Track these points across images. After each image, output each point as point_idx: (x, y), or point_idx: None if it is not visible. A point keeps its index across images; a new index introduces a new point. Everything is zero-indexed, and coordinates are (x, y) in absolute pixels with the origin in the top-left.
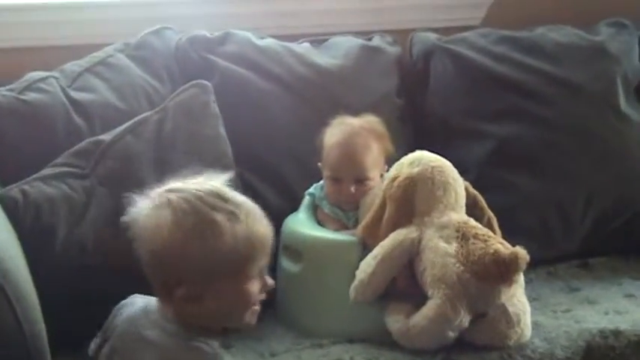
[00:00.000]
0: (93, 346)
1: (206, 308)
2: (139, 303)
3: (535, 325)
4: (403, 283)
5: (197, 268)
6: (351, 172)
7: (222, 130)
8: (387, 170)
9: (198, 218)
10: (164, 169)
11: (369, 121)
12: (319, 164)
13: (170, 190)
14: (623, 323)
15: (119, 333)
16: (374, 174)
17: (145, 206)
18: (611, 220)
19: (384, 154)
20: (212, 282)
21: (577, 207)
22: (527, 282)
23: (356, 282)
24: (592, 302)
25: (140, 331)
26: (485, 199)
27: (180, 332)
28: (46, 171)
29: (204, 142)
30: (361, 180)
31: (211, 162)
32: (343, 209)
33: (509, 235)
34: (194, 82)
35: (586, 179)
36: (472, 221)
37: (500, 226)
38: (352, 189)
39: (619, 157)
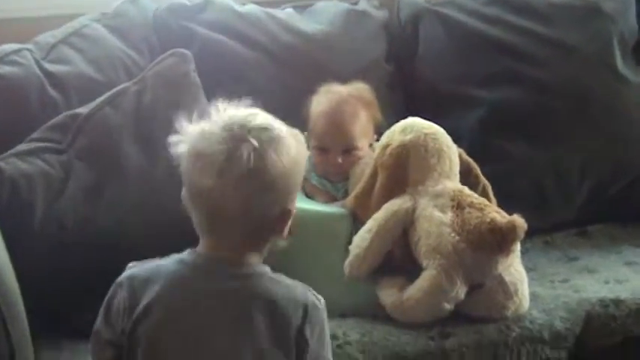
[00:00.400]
0: (108, 336)
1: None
2: (161, 266)
3: (533, 296)
4: (399, 256)
5: (296, 190)
6: (338, 142)
7: (203, 101)
8: (377, 139)
9: (290, 140)
10: (144, 142)
11: (358, 88)
12: (305, 134)
13: (242, 126)
14: (624, 292)
15: (170, 301)
16: (362, 143)
17: (221, 146)
18: (609, 186)
19: (372, 122)
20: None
21: (574, 173)
22: (523, 252)
23: (351, 257)
24: (591, 271)
25: (217, 286)
26: (479, 167)
27: (261, 269)
28: (22, 146)
29: (185, 113)
30: (349, 150)
31: None
32: (331, 180)
33: (505, 204)
34: (173, 51)
35: (583, 144)
36: (467, 190)
37: (495, 195)
38: (339, 159)
39: (617, 119)
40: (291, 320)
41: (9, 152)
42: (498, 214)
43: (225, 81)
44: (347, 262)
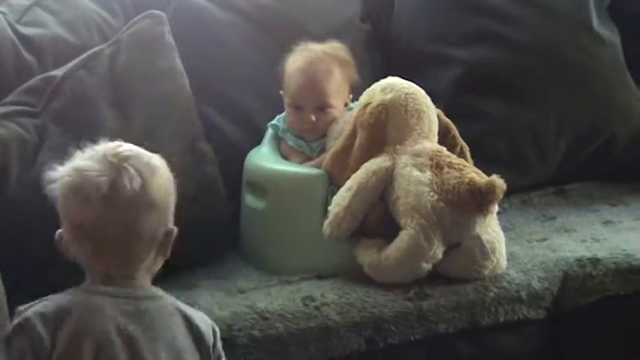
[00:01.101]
0: None
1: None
2: (63, 301)
3: (510, 256)
4: (374, 219)
5: (172, 209)
6: (312, 99)
7: (178, 62)
8: (352, 100)
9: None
10: (119, 105)
11: (333, 47)
12: (281, 92)
13: (116, 156)
14: (601, 251)
15: (90, 329)
16: (336, 102)
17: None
18: (586, 145)
19: (347, 81)
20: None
21: (550, 132)
22: (500, 211)
23: (330, 217)
24: (568, 230)
25: (130, 308)
26: (457, 128)
27: (161, 291)
28: None
29: (160, 76)
30: (323, 108)
31: (168, 96)
32: (306, 140)
33: (482, 164)
34: (147, 12)
35: (559, 103)
36: (446, 150)
37: (472, 155)
38: (313, 117)
39: (592, 78)
40: (205, 338)
41: None
42: (477, 175)
43: (200, 42)
44: (326, 222)
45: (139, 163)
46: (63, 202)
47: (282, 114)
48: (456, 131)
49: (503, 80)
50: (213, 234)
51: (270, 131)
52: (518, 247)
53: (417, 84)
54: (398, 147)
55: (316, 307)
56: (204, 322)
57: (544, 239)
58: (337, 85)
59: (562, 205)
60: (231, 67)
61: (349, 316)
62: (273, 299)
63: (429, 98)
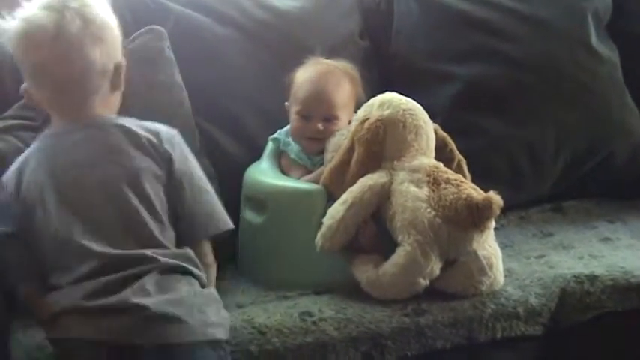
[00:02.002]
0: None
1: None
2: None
3: (508, 272)
4: (367, 238)
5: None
6: (320, 109)
7: (178, 77)
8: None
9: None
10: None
11: (344, 64)
12: (286, 104)
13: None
14: (599, 267)
15: (50, 164)
16: (343, 114)
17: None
18: (583, 162)
19: (354, 98)
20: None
21: (548, 149)
22: (498, 228)
23: (323, 229)
24: (566, 247)
25: (84, 136)
26: (454, 143)
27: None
28: None
29: (160, 90)
30: (330, 119)
31: (168, 110)
32: (307, 151)
33: (479, 180)
34: (147, 28)
35: (557, 119)
36: (443, 167)
37: (470, 171)
38: (320, 126)
39: (590, 95)
40: (151, 142)
41: None
42: (474, 191)
43: (199, 57)
44: (319, 233)
45: (79, 3)
46: (17, 52)
47: (284, 128)
48: (453, 145)
49: (501, 97)
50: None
51: (270, 145)
52: (515, 264)
53: (416, 100)
54: (395, 163)
55: (314, 322)
56: (147, 129)
57: (542, 256)
58: (346, 99)
59: (560, 222)
60: (230, 82)
61: (346, 332)
62: (270, 314)
63: (426, 114)
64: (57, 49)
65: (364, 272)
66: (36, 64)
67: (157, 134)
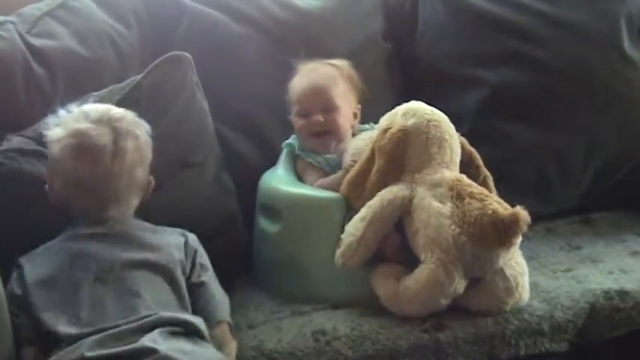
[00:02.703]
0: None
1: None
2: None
3: (533, 285)
4: (390, 249)
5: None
6: (317, 102)
7: (202, 104)
8: (370, 122)
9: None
10: None
11: (336, 61)
12: (289, 117)
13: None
14: (629, 283)
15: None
16: (342, 104)
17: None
18: (614, 172)
19: (353, 91)
20: None
21: (578, 158)
22: (524, 240)
23: (343, 247)
24: (595, 261)
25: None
26: (479, 152)
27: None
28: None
29: (184, 119)
30: (329, 109)
31: (190, 142)
32: (319, 151)
33: (505, 190)
34: (171, 54)
35: (587, 128)
36: (466, 179)
37: (495, 180)
38: (320, 117)
39: (623, 103)
40: (177, 240)
41: (9, 146)
42: (500, 206)
43: (216, 58)
44: (339, 252)
45: (129, 123)
46: (63, 162)
47: None
48: (479, 161)
49: (530, 103)
50: (228, 266)
51: (285, 151)
52: (541, 278)
53: (441, 105)
54: (416, 176)
55: (327, 342)
56: (174, 233)
57: (569, 270)
58: (341, 90)
59: (588, 235)
60: (246, 82)
61: (362, 350)
62: (282, 335)
63: (452, 126)
64: (114, 167)
65: (384, 287)
66: (86, 177)
67: (185, 236)
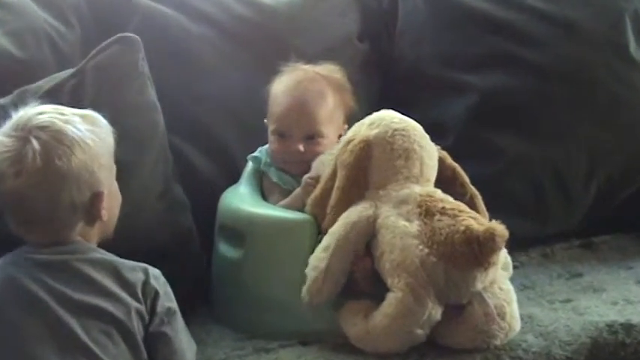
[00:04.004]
0: None
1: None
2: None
3: (528, 318)
4: (363, 279)
5: (106, 170)
6: (300, 126)
7: (152, 96)
8: (346, 130)
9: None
10: None
11: (328, 68)
12: (265, 121)
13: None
14: (636, 315)
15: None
16: (328, 130)
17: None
18: (619, 189)
19: (342, 109)
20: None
21: (578, 173)
22: (518, 266)
23: (309, 282)
24: (597, 290)
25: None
26: (466, 167)
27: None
28: None
29: (132, 112)
30: (312, 136)
31: (139, 136)
32: (292, 173)
33: (496, 210)
34: (118, 36)
35: (588, 139)
36: (439, 193)
37: (485, 198)
38: (301, 147)
39: (628, 111)
40: (135, 279)
41: None
42: (475, 221)
43: (169, 61)
44: (304, 289)
45: (50, 135)
46: None
47: (265, 146)
48: (465, 178)
49: (523, 111)
50: (182, 293)
51: (250, 165)
52: (537, 309)
53: (423, 113)
54: (380, 192)
55: None
56: (131, 266)
57: (569, 300)
58: (330, 111)
59: (590, 261)
60: (204, 89)
61: None
62: None
63: (426, 137)
64: (17, 185)
65: (352, 326)
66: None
67: (146, 272)
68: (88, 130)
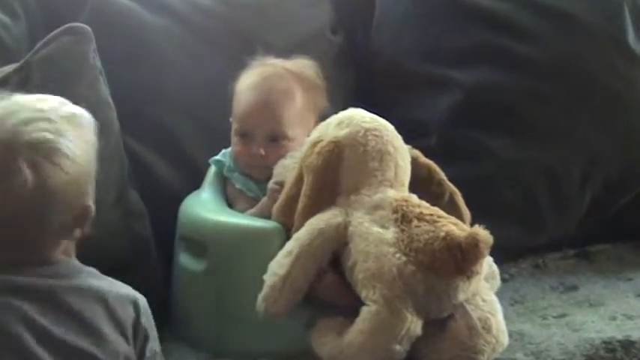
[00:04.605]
0: None
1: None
2: None
3: (519, 335)
4: (327, 296)
5: (91, 183)
6: (263, 126)
7: (105, 92)
8: None
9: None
10: None
11: (299, 63)
12: (231, 119)
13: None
14: (636, 331)
15: None
16: (295, 133)
17: None
18: (617, 195)
19: (313, 110)
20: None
21: (572, 177)
22: (507, 278)
23: (265, 289)
24: (594, 304)
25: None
26: (450, 169)
27: (76, 265)
28: None
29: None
30: (276, 138)
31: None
32: (256, 179)
33: (484, 217)
34: (67, 26)
35: (584, 140)
36: (415, 198)
37: (470, 205)
38: (262, 150)
39: (627, 109)
40: (125, 317)
41: None
42: (456, 227)
43: (123, 56)
44: (260, 296)
45: (42, 154)
46: None
47: (229, 148)
48: (441, 175)
49: (513, 110)
50: None
51: (212, 169)
52: (528, 325)
53: (403, 112)
54: (352, 197)
55: None
56: (120, 298)
57: (563, 315)
58: (297, 112)
59: (586, 272)
60: (163, 85)
61: None
62: None
63: (398, 137)
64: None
65: (324, 345)
66: None
67: (136, 307)
68: (77, 137)
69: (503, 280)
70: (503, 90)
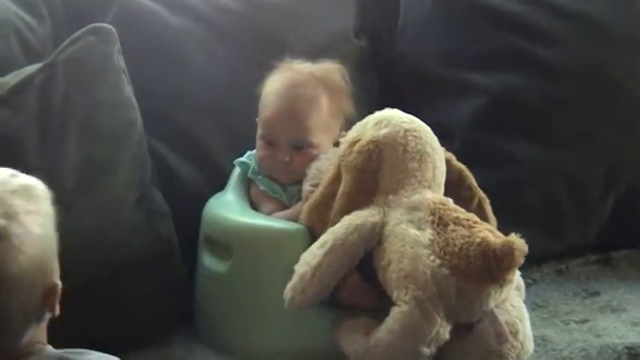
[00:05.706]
0: None
1: None
2: None
3: (542, 340)
4: (349, 296)
5: (53, 262)
6: (287, 134)
7: (128, 92)
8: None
9: None
10: (52, 151)
11: (325, 68)
12: (257, 119)
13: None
14: None
15: None
16: (320, 140)
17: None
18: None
19: (339, 116)
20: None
21: (595, 182)
22: (530, 283)
23: (295, 278)
24: (616, 310)
25: None
26: (474, 173)
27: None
28: None
29: (107, 110)
30: (301, 146)
31: (116, 135)
32: (281, 182)
33: (507, 222)
34: (91, 26)
35: (607, 146)
36: (451, 203)
37: (494, 210)
38: (287, 157)
39: None
40: None
41: None
42: (491, 234)
43: (148, 57)
44: (289, 285)
45: None
46: None
47: (254, 150)
48: (472, 180)
49: (536, 115)
50: (162, 308)
51: (237, 171)
52: (551, 330)
53: (426, 117)
54: (391, 197)
55: None
56: None
57: (585, 320)
58: (323, 119)
59: (608, 278)
60: (187, 87)
61: None
62: None
63: (435, 138)
64: None
65: (351, 345)
66: None
67: None
68: (32, 213)
69: (526, 284)
70: (526, 95)
